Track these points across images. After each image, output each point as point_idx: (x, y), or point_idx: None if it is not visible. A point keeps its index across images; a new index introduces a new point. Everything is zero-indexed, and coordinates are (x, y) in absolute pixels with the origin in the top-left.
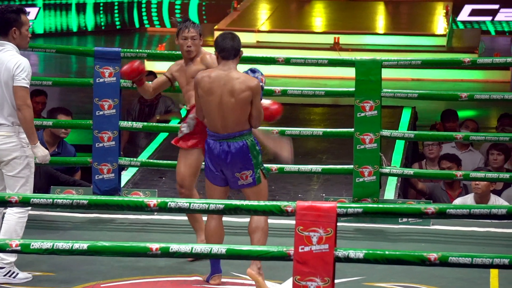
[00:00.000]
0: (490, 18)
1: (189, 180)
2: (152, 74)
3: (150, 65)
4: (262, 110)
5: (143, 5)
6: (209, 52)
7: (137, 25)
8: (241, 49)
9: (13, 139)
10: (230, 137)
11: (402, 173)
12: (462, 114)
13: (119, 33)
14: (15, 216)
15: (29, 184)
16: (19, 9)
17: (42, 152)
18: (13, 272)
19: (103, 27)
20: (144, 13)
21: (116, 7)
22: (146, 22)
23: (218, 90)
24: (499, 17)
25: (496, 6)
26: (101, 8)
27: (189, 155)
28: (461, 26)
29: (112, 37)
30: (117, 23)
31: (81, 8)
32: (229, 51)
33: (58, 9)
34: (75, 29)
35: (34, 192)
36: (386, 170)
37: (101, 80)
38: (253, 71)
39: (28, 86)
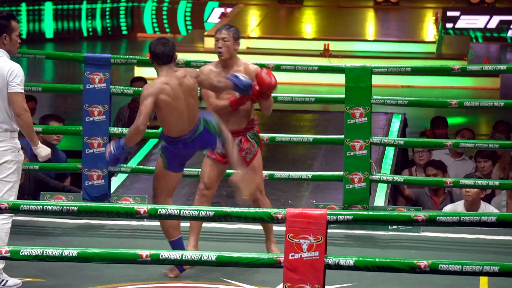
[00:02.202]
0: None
1: (216, 184)
2: (142, 80)
3: (139, 71)
4: (215, 84)
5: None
6: (252, 63)
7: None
8: (176, 54)
9: (5, 144)
10: (195, 131)
11: (392, 179)
12: (451, 121)
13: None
14: None
15: (15, 190)
16: (10, 15)
17: (45, 152)
18: (2, 280)
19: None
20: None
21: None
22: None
23: (180, 93)
24: (460, 24)
25: (457, 13)
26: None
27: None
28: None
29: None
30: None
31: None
32: (160, 57)
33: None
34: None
35: (23, 197)
36: (376, 177)
37: (91, 86)
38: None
39: (23, 92)
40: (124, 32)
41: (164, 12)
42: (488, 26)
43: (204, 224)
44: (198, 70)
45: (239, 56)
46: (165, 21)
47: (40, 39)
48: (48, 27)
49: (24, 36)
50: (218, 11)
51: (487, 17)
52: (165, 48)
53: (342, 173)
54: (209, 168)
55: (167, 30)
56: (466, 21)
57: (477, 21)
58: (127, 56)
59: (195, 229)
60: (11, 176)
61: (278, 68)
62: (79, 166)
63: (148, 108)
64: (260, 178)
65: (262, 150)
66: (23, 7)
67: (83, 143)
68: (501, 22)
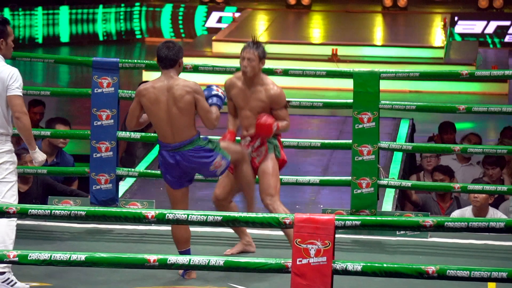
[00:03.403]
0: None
1: (229, 193)
2: None
3: (148, 76)
4: (210, 109)
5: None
6: (274, 84)
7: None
8: (181, 59)
9: (1, 146)
10: (182, 145)
11: (400, 185)
12: (459, 126)
13: (117, 43)
14: (4, 221)
15: (15, 190)
16: (5, 20)
17: (41, 157)
18: (12, 280)
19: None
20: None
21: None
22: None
23: (163, 99)
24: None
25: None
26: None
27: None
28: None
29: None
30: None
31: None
32: (163, 60)
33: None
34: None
35: (31, 202)
36: (384, 182)
37: (99, 90)
38: (208, 87)
39: (22, 95)
40: (139, 37)
41: (180, 17)
42: (486, 32)
43: (212, 229)
44: (193, 84)
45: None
46: (180, 26)
47: (55, 43)
48: (64, 31)
49: (40, 40)
50: (216, 15)
51: (485, 22)
52: (169, 52)
53: (349, 178)
54: (223, 179)
55: (183, 35)
56: (463, 27)
57: (475, 26)
58: (135, 61)
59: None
60: (10, 176)
61: (286, 73)
62: (86, 170)
63: (132, 106)
64: (273, 182)
65: (282, 166)
66: (39, 11)
67: (91, 147)
68: (498, 27)
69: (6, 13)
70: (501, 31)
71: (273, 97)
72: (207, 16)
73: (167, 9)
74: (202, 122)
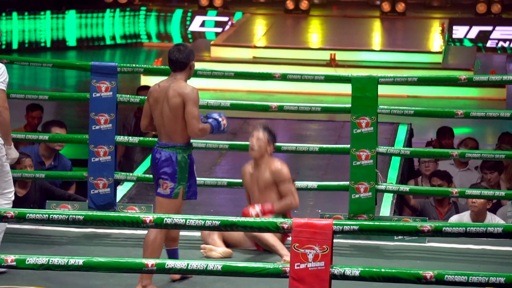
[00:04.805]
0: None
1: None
2: (148, 89)
3: (146, 80)
4: (198, 118)
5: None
6: (280, 161)
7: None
8: (192, 62)
9: None
10: (165, 146)
11: (398, 189)
12: (457, 131)
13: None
14: None
15: (7, 178)
16: None
17: (15, 154)
18: None
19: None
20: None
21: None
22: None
23: (161, 98)
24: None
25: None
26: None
27: None
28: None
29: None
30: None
31: None
32: (174, 63)
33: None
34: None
35: (29, 206)
36: (382, 186)
37: (98, 94)
38: (219, 112)
39: (5, 90)
40: (145, 41)
41: (188, 22)
42: (468, 36)
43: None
44: (189, 91)
45: (240, 65)
46: (188, 31)
47: (63, 47)
48: (71, 35)
49: (48, 44)
50: (200, 19)
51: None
52: (179, 55)
53: (347, 182)
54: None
55: (191, 40)
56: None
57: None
58: (134, 65)
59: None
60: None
61: (284, 77)
62: (85, 175)
63: (145, 106)
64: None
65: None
66: (48, 15)
67: (89, 151)
68: (480, 32)
69: (14, 17)
70: (483, 35)
71: (275, 172)
72: (191, 20)
73: (177, 14)
74: (187, 127)
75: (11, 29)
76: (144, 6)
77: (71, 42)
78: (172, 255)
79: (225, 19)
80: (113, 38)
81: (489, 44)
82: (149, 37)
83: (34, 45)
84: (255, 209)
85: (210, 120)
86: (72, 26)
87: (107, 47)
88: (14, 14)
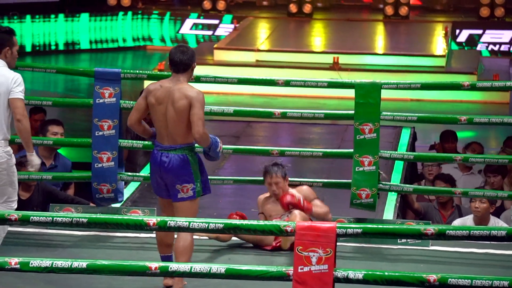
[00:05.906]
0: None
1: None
2: None
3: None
4: (203, 119)
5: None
6: (304, 191)
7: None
8: (195, 63)
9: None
10: (172, 148)
11: (402, 189)
12: (461, 134)
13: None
14: None
15: (16, 186)
16: (11, 30)
17: (37, 161)
18: None
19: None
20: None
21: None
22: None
23: (165, 100)
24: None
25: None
26: None
27: None
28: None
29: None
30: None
31: None
32: (177, 65)
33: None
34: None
35: (32, 209)
36: (385, 186)
37: (101, 100)
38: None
39: (24, 99)
40: (157, 44)
41: (200, 26)
42: (471, 40)
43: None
44: (196, 94)
45: (243, 68)
46: (200, 35)
47: (75, 50)
48: (84, 38)
49: (61, 47)
50: (190, 22)
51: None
52: (183, 56)
53: (350, 181)
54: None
55: (201, 39)
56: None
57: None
58: (137, 71)
59: None
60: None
61: (288, 84)
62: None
63: (138, 101)
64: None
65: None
66: (61, 17)
67: (93, 157)
68: (483, 35)
69: (28, 20)
70: (486, 39)
71: (288, 201)
72: (181, 23)
73: (192, 16)
74: (192, 128)
75: (23, 32)
76: (157, 10)
77: (84, 44)
78: (167, 261)
79: (215, 22)
80: (127, 41)
81: (492, 47)
82: (162, 40)
83: (48, 47)
84: (299, 196)
85: (211, 135)
86: (85, 29)
87: (120, 49)
88: (28, 17)
